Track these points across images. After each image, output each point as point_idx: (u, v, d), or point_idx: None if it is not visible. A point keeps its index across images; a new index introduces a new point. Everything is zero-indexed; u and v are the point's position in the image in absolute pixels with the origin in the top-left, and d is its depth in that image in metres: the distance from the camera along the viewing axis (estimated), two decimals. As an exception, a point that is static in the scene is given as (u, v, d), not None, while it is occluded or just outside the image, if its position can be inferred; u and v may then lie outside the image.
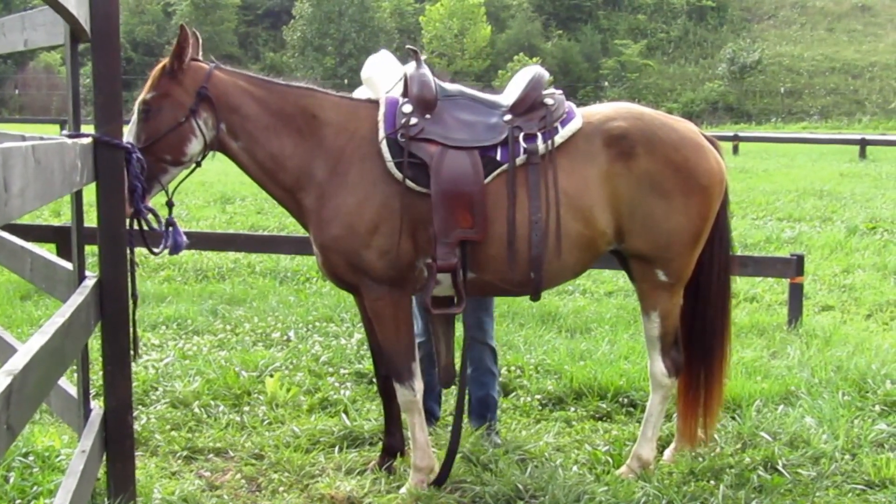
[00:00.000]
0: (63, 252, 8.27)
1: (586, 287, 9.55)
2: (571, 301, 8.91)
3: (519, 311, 8.15)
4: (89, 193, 4.12)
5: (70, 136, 3.81)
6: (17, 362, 2.61)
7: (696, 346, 5.05)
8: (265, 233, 12.50)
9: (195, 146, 4.52)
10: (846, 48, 65.43)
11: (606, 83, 62.81)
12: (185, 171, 4.66)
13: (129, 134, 4.43)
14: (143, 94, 4.48)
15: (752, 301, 9.28)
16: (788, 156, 29.85)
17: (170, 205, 4.58)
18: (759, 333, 7.80)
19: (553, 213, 4.49)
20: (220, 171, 19.52)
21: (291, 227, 13.11)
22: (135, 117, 4.48)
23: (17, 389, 2.47)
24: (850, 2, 70.64)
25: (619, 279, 9.75)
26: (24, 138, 4.39)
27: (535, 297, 4.73)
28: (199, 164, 4.67)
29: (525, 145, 4.53)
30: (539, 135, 4.56)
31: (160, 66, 4.53)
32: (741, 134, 35.34)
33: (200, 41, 4.67)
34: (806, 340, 7.45)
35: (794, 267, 8.10)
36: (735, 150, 31.42)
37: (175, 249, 4.55)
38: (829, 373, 6.37)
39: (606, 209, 4.59)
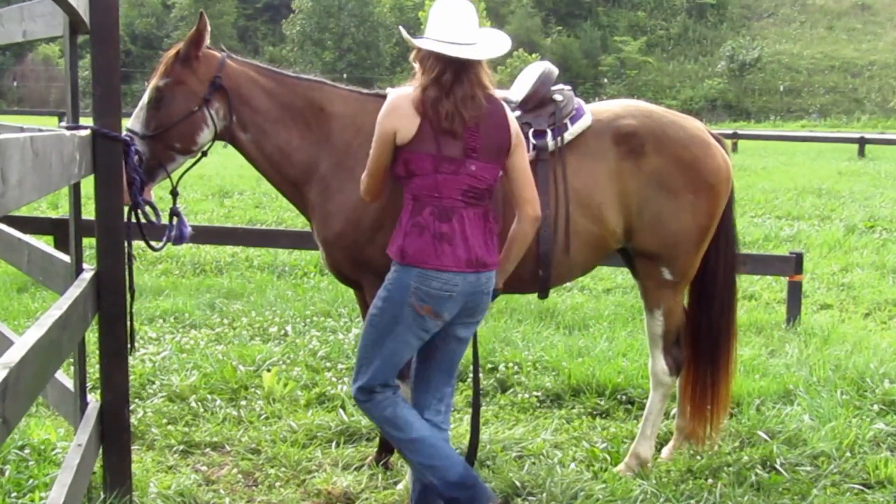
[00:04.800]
0: (60, 244, 8.26)
1: (584, 284, 9.53)
2: (570, 297, 8.89)
3: (517, 308, 8.13)
4: (87, 186, 4.10)
5: (68, 129, 3.78)
6: (13, 355, 2.58)
7: (703, 344, 5.04)
8: (263, 227, 12.49)
9: (206, 136, 4.49)
10: (845, 46, 65.51)
11: (606, 80, 62.86)
12: (191, 160, 4.63)
13: (136, 120, 4.40)
14: (156, 81, 4.43)
15: (751, 299, 9.29)
16: (787, 154, 29.88)
17: (174, 194, 4.56)
18: (757, 331, 7.80)
19: (562, 209, 4.48)
20: (218, 164, 19.54)
21: (290, 221, 13.11)
22: (144, 103, 4.44)
23: (12, 382, 2.45)
24: (849, 0, 70.66)
25: (617, 276, 9.74)
26: (22, 130, 4.37)
27: (543, 294, 4.71)
28: (205, 154, 4.65)
29: (534, 141, 4.52)
30: (548, 131, 4.54)
31: (173, 52, 4.48)
32: (740, 132, 35.38)
33: (209, 29, 4.64)
34: (804, 339, 7.44)
35: (792, 265, 8.09)
36: (734, 147, 31.42)
37: (179, 240, 4.52)
38: (828, 371, 6.36)
39: (616, 207, 4.58)
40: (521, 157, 3.91)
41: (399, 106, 3.77)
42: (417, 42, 3.84)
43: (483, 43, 3.81)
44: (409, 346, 3.88)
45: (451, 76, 3.74)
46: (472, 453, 4.47)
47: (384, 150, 3.83)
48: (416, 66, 3.85)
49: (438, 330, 3.89)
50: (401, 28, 4.08)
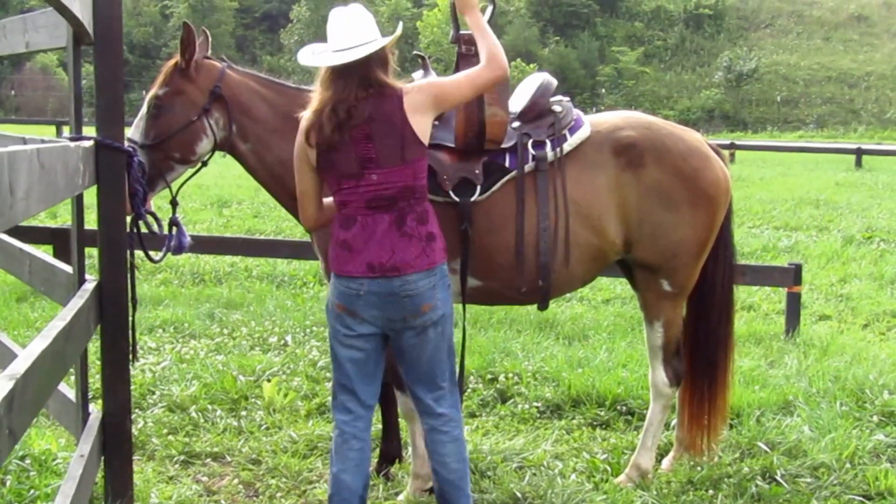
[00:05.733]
0: (60, 254, 8.25)
1: (584, 294, 9.53)
2: (569, 308, 8.90)
3: (516, 318, 8.14)
4: (88, 196, 4.11)
5: (72, 139, 3.79)
6: (20, 366, 2.59)
7: (700, 355, 5.05)
8: (262, 237, 12.49)
9: (205, 145, 4.50)
10: (842, 57, 65.63)
11: (603, 90, 62.92)
12: (191, 171, 4.64)
13: (135, 129, 4.41)
14: (155, 90, 4.45)
15: (750, 310, 9.30)
16: (785, 164, 29.92)
17: (174, 203, 4.56)
18: (756, 342, 7.81)
19: (562, 221, 4.48)
20: (216, 174, 19.54)
21: (289, 230, 13.11)
22: (144, 112, 4.45)
23: (19, 394, 2.46)
24: (846, 11, 70.87)
25: (616, 287, 9.74)
26: (24, 140, 4.38)
27: (543, 305, 4.71)
28: (205, 164, 4.66)
29: (534, 152, 4.53)
30: (548, 142, 4.55)
31: (172, 61, 4.50)
32: (738, 142, 35.38)
33: (210, 39, 4.65)
34: (803, 350, 7.46)
35: (791, 276, 8.11)
36: (732, 158, 31.43)
37: (178, 250, 4.53)
38: (827, 383, 6.37)
39: (615, 218, 4.58)
40: (449, 91, 3.90)
41: (302, 130, 3.81)
42: (301, 62, 3.85)
43: (371, 43, 3.75)
44: (342, 346, 3.89)
45: (339, 86, 3.74)
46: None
47: (302, 172, 3.91)
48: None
49: (388, 335, 3.90)
50: (299, 57, 3.95)
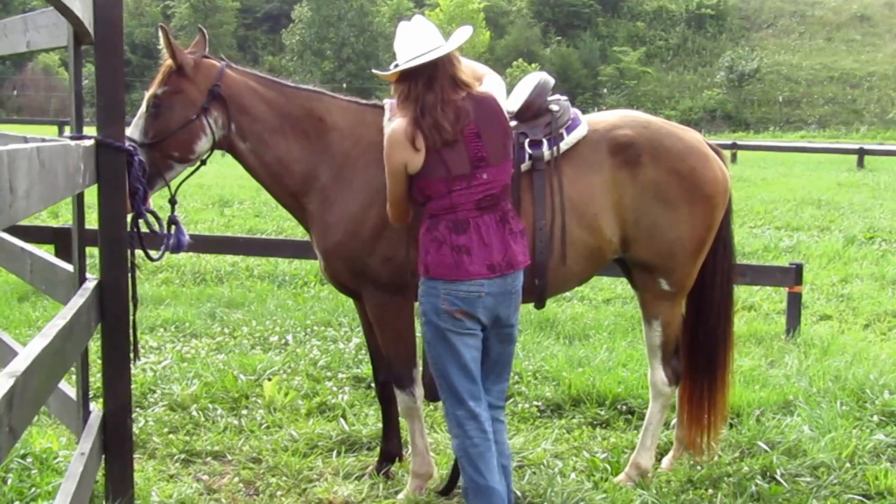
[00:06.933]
0: (62, 253, 8.26)
1: (584, 294, 9.54)
2: (569, 308, 8.90)
3: (517, 318, 8.13)
4: (89, 195, 4.11)
5: (73, 138, 3.80)
6: (20, 364, 2.60)
7: (700, 354, 5.05)
8: (264, 236, 12.50)
9: (204, 144, 4.50)
10: (844, 58, 65.65)
11: (605, 90, 62.94)
12: (190, 169, 4.64)
13: (135, 128, 4.41)
14: (154, 89, 4.45)
15: (750, 310, 9.29)
16: (786, 164, 29.91)
17: (173, 202, 4.56)
18: (757, 342, 7.81)
19: (558, 219, 4.49)
20: (218, 173, 19.56)
21: (290, 230, 13.12)
22: (143, 111, 4.45)
23: (19, 392, 2.47)
24: (848, 12, 70.90)
25: (616, 286, 9.75)
26: (25, 140, 4.38)
27: (540, 304, 4.72)
28: (203, 163, 4.66)
29: (530, 151, 4.53)
30: (544, 141, 4.55)
31: (170, 60, 4.50)
32: (739, 142, 35.38)
33: (207, 38, 4.66)
34: (804, 350, 7.46)
35: (792, 276, 8.10)
36: (733, 158, 31.43)
37: (177, 248, 4.53)
38: (828, 382, 6.37)
39: (612, 217, 4.58)
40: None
41: (399, 140, 3.79)
42: (384, 74, 3.92)
43: (445, 45, 3.85)
44: (467, 348, 3.93)
45: (422, 88, 3.79)
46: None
47: (399, 181, 3.89)
48: (396, 96, 3.91)
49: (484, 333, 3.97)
50: (374, 71, 4.20)
